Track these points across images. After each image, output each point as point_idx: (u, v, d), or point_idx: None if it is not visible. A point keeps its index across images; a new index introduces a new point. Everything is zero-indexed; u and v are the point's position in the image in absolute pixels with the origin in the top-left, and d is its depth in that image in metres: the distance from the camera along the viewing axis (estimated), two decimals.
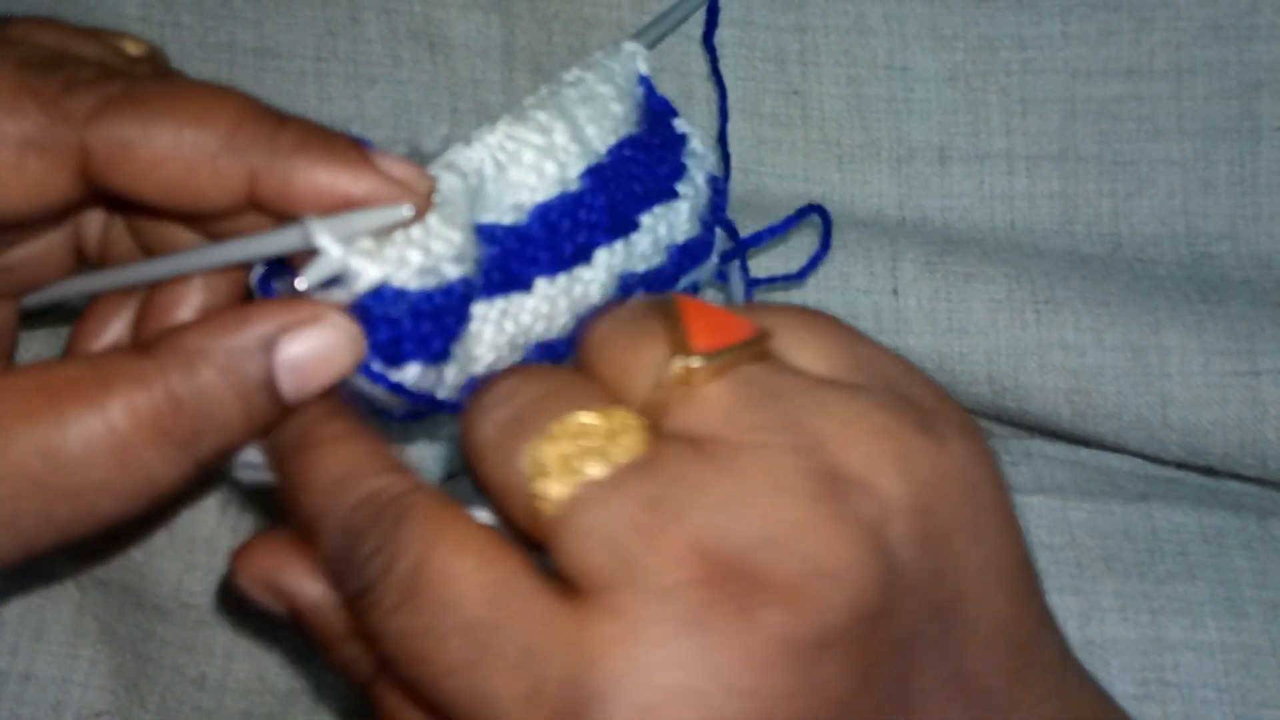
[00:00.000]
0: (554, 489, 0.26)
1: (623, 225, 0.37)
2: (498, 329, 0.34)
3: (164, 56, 0.38)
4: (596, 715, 0.24)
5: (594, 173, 0.36)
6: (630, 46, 0.40)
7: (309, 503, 0.29)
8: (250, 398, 0.30)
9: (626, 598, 0.25)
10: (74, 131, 0.30)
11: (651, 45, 0.42)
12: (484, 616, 0.26)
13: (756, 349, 0.28)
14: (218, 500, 0.43)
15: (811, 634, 0.25)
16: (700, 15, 0.48)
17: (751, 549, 0.25)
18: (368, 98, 0.50)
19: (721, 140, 0.45)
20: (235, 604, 0.42)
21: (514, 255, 0.34)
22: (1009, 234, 0.49)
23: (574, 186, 0.36)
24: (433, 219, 0.31)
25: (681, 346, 0.28)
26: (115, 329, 0.36)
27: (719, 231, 0.41)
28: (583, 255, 0.36)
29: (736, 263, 0.43)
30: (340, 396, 0.31)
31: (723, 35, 0.48)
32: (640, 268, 0.38)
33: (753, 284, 0.45)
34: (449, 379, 0.33)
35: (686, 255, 0.40)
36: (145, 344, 0.30)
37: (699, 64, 0.49)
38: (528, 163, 0.35)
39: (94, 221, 0.36)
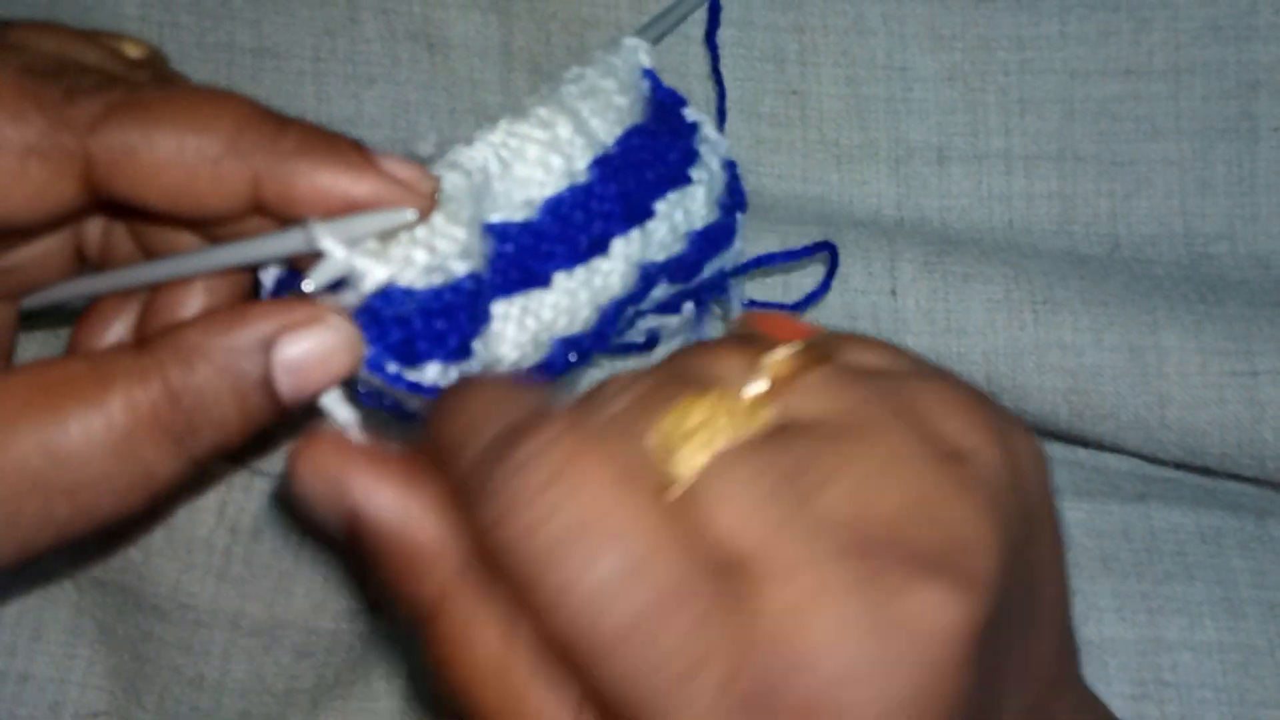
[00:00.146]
0: (687, 460, 0.26)
1: (637, 213, 0.37)
2: (519, 326, 0.34)
3: (164, 58, 0.38)
4: (794, 684, 0.23)
5: (602, 163, 0.36)
6: (632, 41, 0.40)
7: (468, 415, 0.27)
8: (247, 396, 0.30)
9: (791, 565, 0.24)
10: (77, 138, 0.30)
11: (652, 44, 0.42)
12: (654, 562, 0.24)
13: (836, 343, 0.29)
14: (216, 501, 0.43)
15: (963, 606, 0.24)
16: (698, 15, 0.48)
17: (895, 521, 0.25)
18: (366, 98, 0.50)
19: None
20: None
21: (529, 252, 0.34)
22: (1007, 234, 0.49)
23: (582, 178, 0.36)
24: (437, 217, 0.31)
25: (772, 342, 0.28)
26: (116, 330, 0.36)
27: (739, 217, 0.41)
28: (599, 246, 0.36)
29: (739, 280, 0.43)
30: (363, 399, 0.31)
31: (721, 35, 0.48)
32: (660, 256, 0.38)
33: (749, 306, 0.45)
34: None
35: (708, 241, 0.39)
36: (144, 341, 0.30)
37: (697, 64, 0.49)
38: (533, 158, 0.35)
39: (95, 224, 0.36)
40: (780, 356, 0.27)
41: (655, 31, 0.44)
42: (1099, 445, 0.47)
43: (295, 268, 0.32)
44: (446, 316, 0.31)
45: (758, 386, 0.27)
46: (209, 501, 0.43)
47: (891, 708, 0.24)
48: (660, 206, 0.37)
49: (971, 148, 0.49)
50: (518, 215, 0.35)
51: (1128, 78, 0.48)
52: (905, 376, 0.28)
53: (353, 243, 0.30)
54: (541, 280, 0.34)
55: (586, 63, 0.39)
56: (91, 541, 0.43)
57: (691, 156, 0.39)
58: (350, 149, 0.31)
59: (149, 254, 0.35)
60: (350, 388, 0.31)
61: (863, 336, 0.31)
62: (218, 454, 0.31)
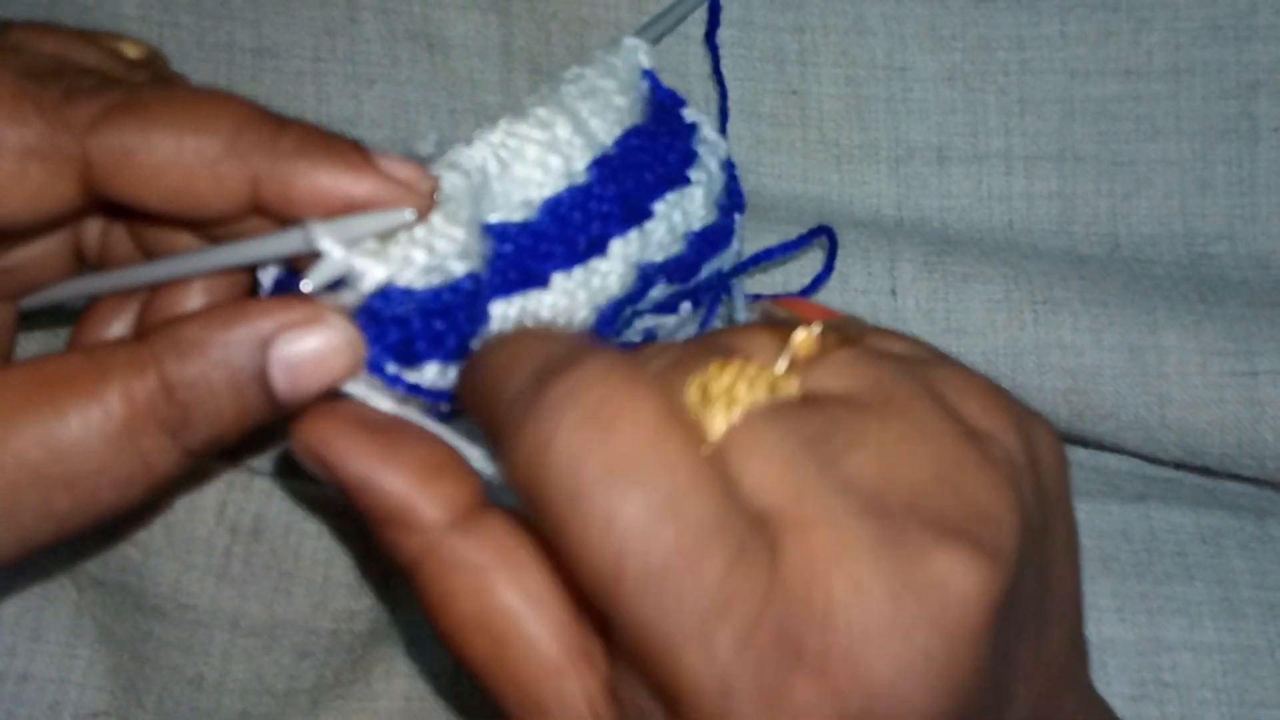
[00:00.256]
0: (717, 419, 0.26)
1: (635, 214, 0.37)
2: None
3: (163, 58, 0.38)
4: (814, 636, 0.24)
5: (601, 164, 0.36)
6: (631, 41, 0.40)
7: (505, 357, 0.28)
8: (243, 392, 0.30)
9: (818, 519, 0.24)
10: (76, 140, 0.30)
11: (652, 44, 0.42)
12: (688, 500, 0.24)
13: (861, 327, 0.29)
14: (216, 501, 0.43)
15: (983, 574, 0.25)
16: (698, 15, 0.48)
17: (918, 488, 0.25)
18: (366, 98, 0.50)
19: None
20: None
21: (528, 252, 0.34)
22: (1007, 234, 0.49)
23: (581, 179, 0.36)
24: (436, 217, 0.31)
25: (800, 322, 0.28)
26: (116, 330, 0.36)
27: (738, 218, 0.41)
28: (597, 247, 0.36)
29: (741, 278, 0.43)
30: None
31: (721, 35, 0.48)
32: (659, 257, 0.38)
33: (752, 299, 0.45)
34: None
35: (706, 242, 0.39)
36: (142, 333, 0.30)
37: (697, 64, 0.49)
38: (531, 158, 0.35)
39: (93, 224, 0.36)
40: (808, 334, 0.28)
41: (655, 31, 0.44)
42: (1099, 445, 0.47)
43: (294, 268, 0.32)
44: (445, 317, 0.31)
45: (786, 358, 0.27)
46: (209, 501, 0.43)
47: (908, 666, 0.24)
48: (659, 207, 0.37)
49: (971, 148, 0.49)
50: (516, 215, 0.35)
51: (1128, 78, 0.48)
52: (928, 362, 0.29)
53: (351, 243, 0.30)
54: (540, 280, 0.34)
55: (586, 63, 0.39)
56: (90, 539, 0.43)
57: (690, 157, 0.39)
58: (349, 149, 0.31)
59: (148, 254, 0.35)
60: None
61: (885, 328, 0.31)
62: (213, 447, 0.31)
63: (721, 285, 0.43)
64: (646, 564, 0.24)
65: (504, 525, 0.29)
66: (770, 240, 0.46)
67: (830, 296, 0.47)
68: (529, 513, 0.26)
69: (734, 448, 0.26)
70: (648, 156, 0.37)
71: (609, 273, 0.36)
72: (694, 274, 0.40)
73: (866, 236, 0.47)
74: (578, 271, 0.35)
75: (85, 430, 0.29)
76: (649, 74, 0.40)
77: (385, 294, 0.31)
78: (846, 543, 0.24)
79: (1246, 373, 0.44)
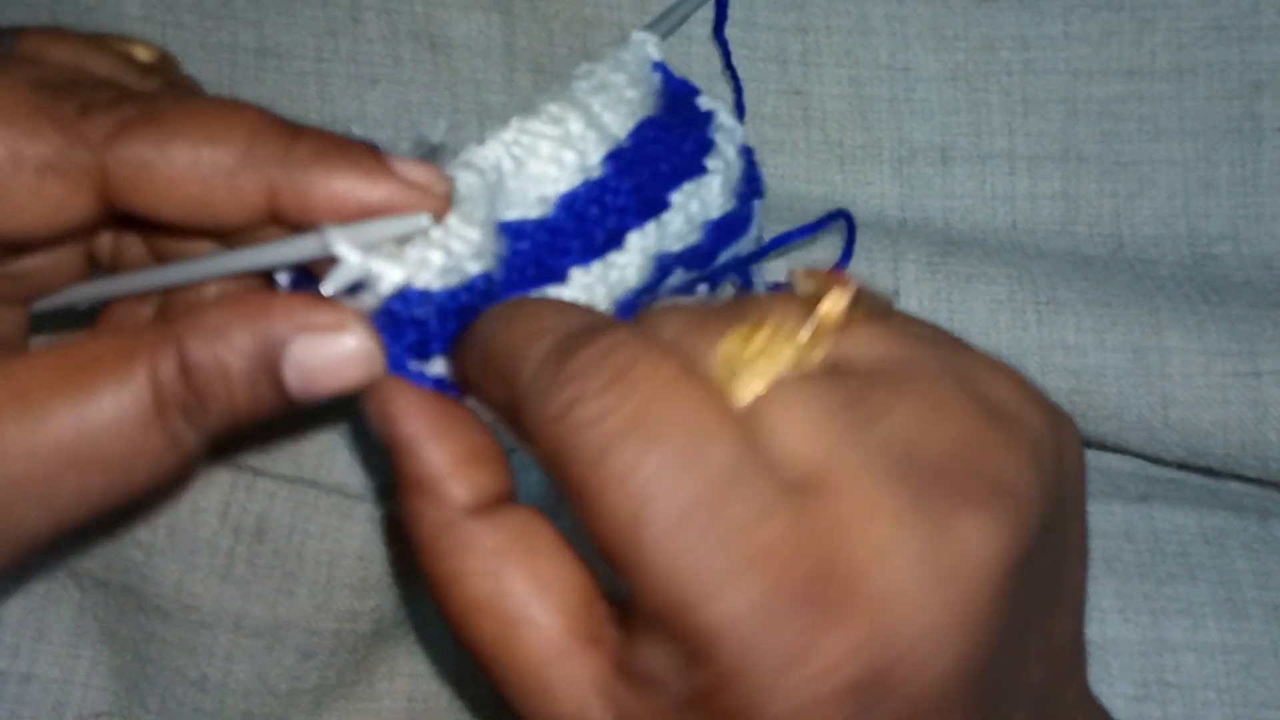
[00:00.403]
0: (748, 384, 0.26)
1: (652, 206, 0.36)
2: None
3: (174, 61, 0.38)
4: (842, 592, 0.24)
5: (616, 157, 0.36)
6: (640, 35, 0.40)
7: (523, 327, 0.28)
8: (257, 383, 0.30)
9: (849, 480, 0.25)
10: (92, 155, 0.30)
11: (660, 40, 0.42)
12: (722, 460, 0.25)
13: (889, 304, 0.29)
14: (219, 502, 0.43)
15: (1007, 540, 0.25)
16: (700, 16, 0.48)
17: (945, 455, 0.26)
18: (369, 98, 0.50)
19: None
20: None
21: (545, 248, 0.34)
22: (1010, 234, 0.49)
23: (596, 173, 0.36)
24: (452, 218, 0.31)
25: (827, 290, 0.28)
26: None
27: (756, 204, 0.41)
28: (615, 240, 0.35)
29: (761, 265, 0.43)
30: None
31: (725, 35, 0.48)
32: (676, 247, 0.37)
33: (773, 288, 0.44)
34: None
35: (723, 230, 0.39)
36: (167, 316, 0.31)
37: (699, 64, 0.49)
38: (545, 154, 0.35)
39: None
40: (836, 302, 0.28)
41: (660, 30, 0.44)
42: (1102, 446, 0.47)
43: (310, 271, 0.32)
44: (460, 317, 0.31)
45: (814, 323, 0.28)
46: (212, 502, 0.43)
47: (933, 624, 0.24)
48: (675, 198, 0.37)
49: (975, 148, 0.49)
50: (533, 212, 0.35)
51: (1131, 78, 0.48)
52: (956, 345, 0.29)
53: (368, 248, 0.30)
54: (558, 276, 0.34)
55: (596, 59, 0.38)
56: (95, 539, 0.43)
57: (706, 146, 0.39)
58: (364, 153, 0.31)
59: (161, 259, 0.35)
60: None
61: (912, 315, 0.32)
62: (224, 432, 0.31)
63: (740, 271, 0.42)
64: (669, 513, 0.24)
65: (524, 517, 0.30)
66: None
67: None
68: (552, 480, 0.26)
69: (764, 411, 0.26)
70: (663, 148, 0.37)
71: (627, 266, 0.35)
72: (710, 262, 0.40)
73: (870, 237, 0.47)
74: (595, 266, 0.35)
75: (118, 412, 0.29)
76: (660, 65, 0.40)
77: (403, 296, 0.31)
78: (876, 503, 0.25)
79: (1250, 373, 0.44)
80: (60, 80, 0.32)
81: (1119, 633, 0.43)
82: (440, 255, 0.31)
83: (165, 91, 0.35)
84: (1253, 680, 0.42)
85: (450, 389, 0.32)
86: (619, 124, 0.37)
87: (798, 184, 0.50)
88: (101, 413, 0.29)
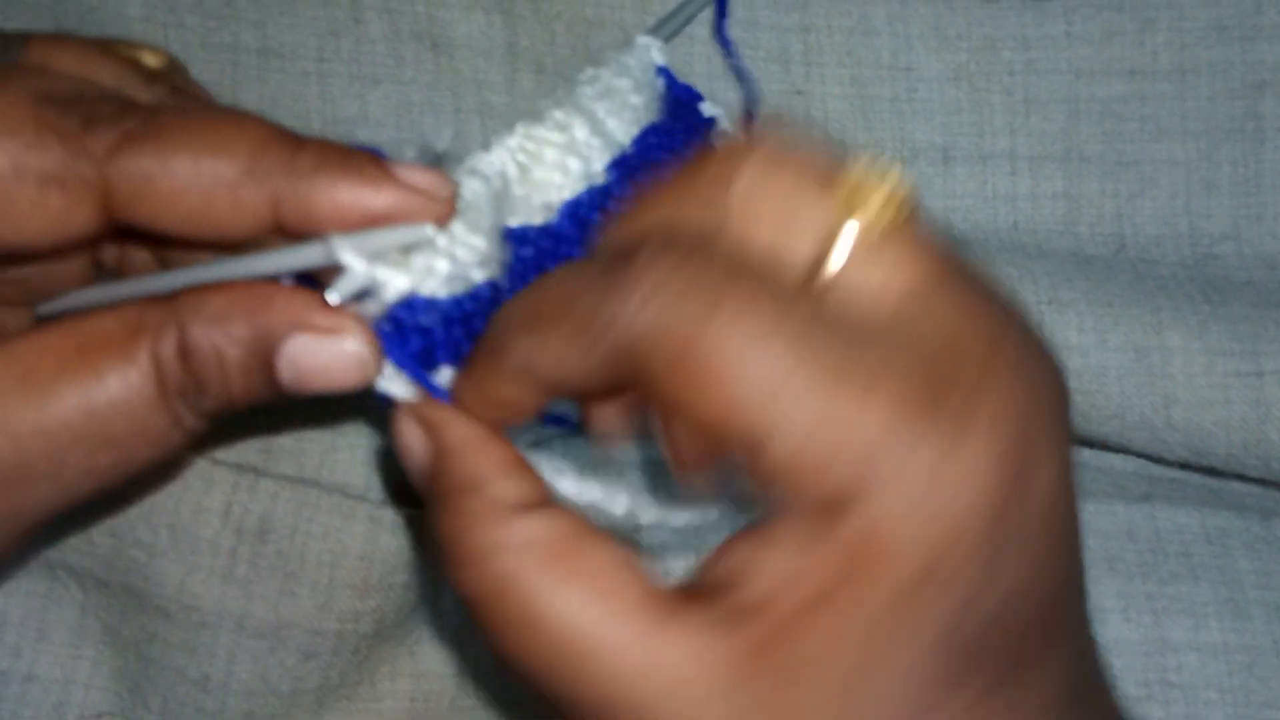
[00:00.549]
0: (875, 213, 0.27)
1: None
2: None
3: (182, 66, 0.38)
4: (980, 399, 0.25)
5: (620, 164, 0.36)
6: (644, 39, 0.40)
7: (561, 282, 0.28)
8: (251, 373, 0.31)
9: (951, 295, 0.27)
10: (95, 167, 0.31)
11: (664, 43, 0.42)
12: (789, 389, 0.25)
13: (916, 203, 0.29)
14: (221, 502, 0.43)
15: (1007, 471, 0.26)
16: (702, 17, 0.48)
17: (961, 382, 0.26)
18: (371, 98, 0.50)
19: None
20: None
21: (549, 255, 0.34)
22: (1012, 235, 0.49)
23: (601, 180, 0.36)
24: (457, 226, 0.31)
25: (860, 198, 0.28)
26: None
27: None
28: None
29: None
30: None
31: (728, 35, 0.48)
32: None
33: None
34: None
35: None
36: (172, 297, 0.31)
37: (701, 65, 0.49)
38: (550, 161, 0.35)
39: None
40: (883, 204, 0.28)
41: (663, 33, 0.44)
42: (1104, 445, 0.47)
43: (316, 277, 0.32)
44: (465, 325, 0.31)
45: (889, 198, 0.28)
46: (214, 503, 0.43)
47: (1049, 436, 0.26)
48: None
49: (976, 148, 0.49)
50: (538, 218, 0.35)
51: (1133, 78, 0.48)
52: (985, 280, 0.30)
53: (373, 256, 0.30)
54: None
55: (600, 63, 0.39)
56: (98, 539, 0.43)
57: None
58: (367, 162, 0.31)
59: (165, 265, 0.36)
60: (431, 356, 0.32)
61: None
62: (218, 415, 0.32)
63: None
64: (788, 367, 0.25)
65: (562, 516, 0.29)
66: None
67: None
68: (645, 386, 0.26)
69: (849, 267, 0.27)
70: (667, 154, 0.37)
71: None
72: None
73: None
74: None
75: (125, 390, 0.30)
76: (664, 71, 0.40)
77: (409, 304, 0.31)
78: (979, 315, 0.27)
79: (1252, 373, 0.44)
80: (64, 92, 0.32)
81: (1121, 633, 0.43)
82: (446, 263, 0.31)
83: (169, 103, 0.35)
84: (1255, 680, 0.42)
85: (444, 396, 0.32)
86: (623, 130, 0.37)
87: None
88: (108, 392, 0.30)
